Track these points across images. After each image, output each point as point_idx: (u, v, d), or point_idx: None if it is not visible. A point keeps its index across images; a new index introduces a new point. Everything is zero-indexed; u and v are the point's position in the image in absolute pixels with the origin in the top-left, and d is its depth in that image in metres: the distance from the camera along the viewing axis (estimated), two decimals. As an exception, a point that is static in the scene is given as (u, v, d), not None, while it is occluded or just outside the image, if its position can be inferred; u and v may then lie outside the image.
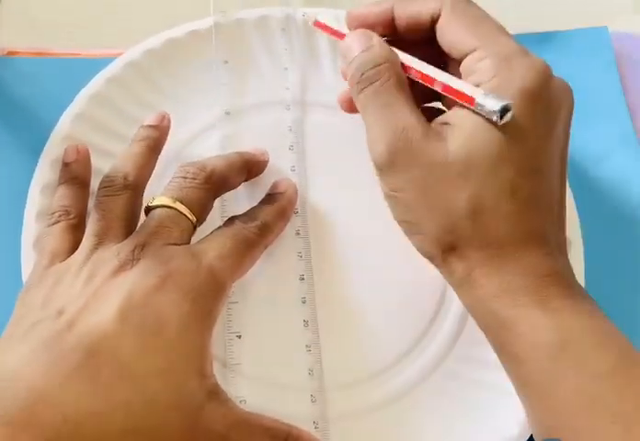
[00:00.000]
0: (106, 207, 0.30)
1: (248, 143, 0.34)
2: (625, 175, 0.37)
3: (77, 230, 0.31)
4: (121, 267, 0.27)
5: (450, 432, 0.31)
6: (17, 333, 0.26)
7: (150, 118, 0.33)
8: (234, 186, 0.32)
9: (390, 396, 0.31)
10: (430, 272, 0.32)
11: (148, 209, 0.30)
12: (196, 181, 0.30)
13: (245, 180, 0.33)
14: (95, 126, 0.34)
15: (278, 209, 0.32)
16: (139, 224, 0.30)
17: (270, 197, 0.33)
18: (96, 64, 0.35)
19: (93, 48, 0.38)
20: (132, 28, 0.39)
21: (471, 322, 0.31)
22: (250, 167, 0.33)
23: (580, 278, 0.32)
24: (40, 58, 0.37)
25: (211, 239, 0.29)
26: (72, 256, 0.29)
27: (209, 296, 0.28)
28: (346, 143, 0.35)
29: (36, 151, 0.33)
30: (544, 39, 0.39)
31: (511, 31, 0.38)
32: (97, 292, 0.26)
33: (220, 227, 0.30)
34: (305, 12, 0.37)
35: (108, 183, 0.30)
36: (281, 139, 0.35)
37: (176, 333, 0.26)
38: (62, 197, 0.32)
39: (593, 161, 0.37)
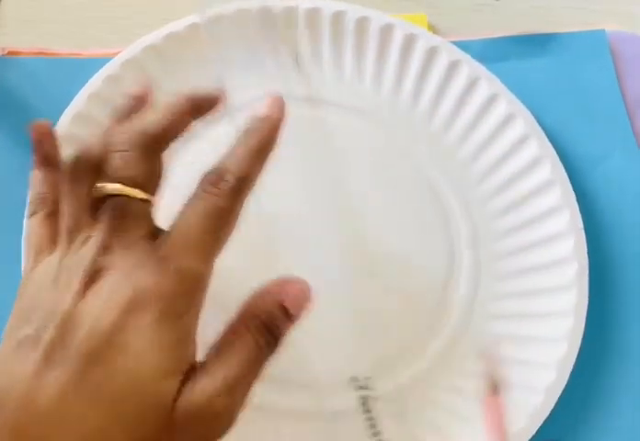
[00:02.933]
0: (72, 198, 0.26)
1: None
2: (624, 176, 0.37)
3: (57, 217, 0.28)
4: (90, 280, 0.24)
5: (448, 429, 0.31)
6: (7, 351, 0.24)
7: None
8: (178, 135, 0.28)
9: (390, 394, 0.31)
10: (429, 277, 0.33)
11: (97, 201, 0.26)
12: (131, 153, 0.26)
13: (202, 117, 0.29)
14: (94, 125, 0.34)
15: (255, 148, 0.27)
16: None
17: (245, 134, 0.28)
18: (96, 64, 0.35)
19: (93, 48, 0.38)
20: (133, 28, 0.39)
21: (471, 323, 0.32)
22: (198, 108, 0.29)
23: (584, 291, 0.32)
24: (41, 58, 0.37)
25: (178, 225, 0.26)
26: (48, 258, 0.26)
27: (183, 301, 0.25)
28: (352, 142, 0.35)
29: (36, 151, 0.33)
30: (544, 41, 0.39)
31: (511, 32, 0.39)
32: (71, 314, 0.24)
33: (189, 198, 0.26)
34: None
35: (72, 165, 0.27)
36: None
37: (148, 353, 0.24)
38: (36, 183, 0.30)
39: (592, 162, 0.37)
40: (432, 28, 0.40)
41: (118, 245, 0.25)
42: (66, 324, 0.24)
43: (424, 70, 0.36)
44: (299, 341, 0.31)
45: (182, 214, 0.26)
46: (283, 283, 0.28)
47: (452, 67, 0.36)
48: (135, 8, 0.40)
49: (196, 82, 0.36)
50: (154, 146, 0.27)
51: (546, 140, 0.35)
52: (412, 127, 0.36)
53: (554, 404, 0.31)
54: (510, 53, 0.39)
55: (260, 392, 0.30)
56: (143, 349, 0.24)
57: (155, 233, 0.26)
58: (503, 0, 0.41)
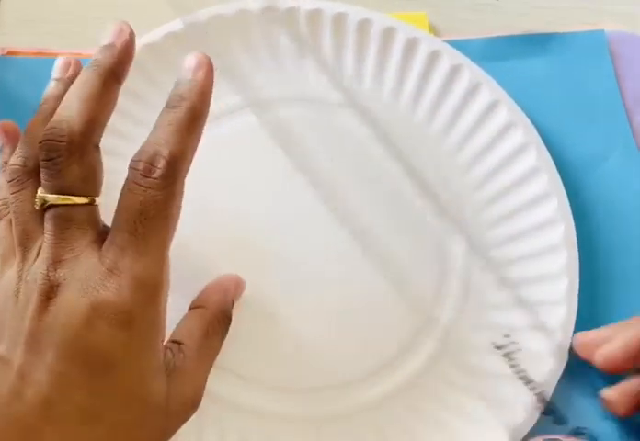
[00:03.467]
0: (18, 206, 0.26)
1: (248, 137, 0.35)
2: (623, 176, 0.36)
3: None
4: (46, 296, 0.24)
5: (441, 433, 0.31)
6: None
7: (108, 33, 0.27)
8: (108, 117, 0.27)
9: (384, 396, 0.31)
10: (422, 273, 0.33)
11: (40, 212, 0.25)
12: (61, 158, 0.24)
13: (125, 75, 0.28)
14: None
15: (185, 120, 0.25)
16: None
17: (171, 105, 0.26)
18: (96, 64, 0.35)
19: (93, 48, 0.38)
20: (133, 27, 0.39)
21: (463, 328, 0.32)
22: (113, 72, 0.27)
23: (575, 279, 0.33)
24: (40, 58, 0.37)
25: (119, 226, 0.25)
26: (10, 270, 0.25)
27: (144, 309, 0.25)
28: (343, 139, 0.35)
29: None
30: (543, 40, 0.39)
31: (511, 32, 0.39)
32: (34, 335, 0.24)
33: (122, 190, 0.25)
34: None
35: (13, 173, 0.26)
36: (277, 134, 0.35)
37: (124, 367, 0.24)
38: (1, 188, 0.28)
39: (590, 163, 0.37)
40: (432, 27, 0.40)
41: (67, 256, 0.24)
42: (33, 344, 0.23)
43: (425, 74, 0.36)
44: (293, 347, 0.32)
45: (119, 213, 0.25)
46: (235, 281, 0.30)
47: (454, 71, 0.36)
48: (135, 8, 0.40)
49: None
50: (84, 144, 0.25)
51: (544, 148, 0.35)
52: (411, 129, 0.36)
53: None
54: (510, 53, 0.38)
55: (255, 399, 0.30)
56: (120, 359, 0.24)
57: (104, 234, 0.25)
58: (503, 0, 0.41)
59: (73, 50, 0.37)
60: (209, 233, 0.33)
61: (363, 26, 0.36)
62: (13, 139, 0.30)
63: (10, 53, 0.37)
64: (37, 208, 0.25)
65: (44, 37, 0.38)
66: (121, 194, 0.25)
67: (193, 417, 0.27)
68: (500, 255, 0.34)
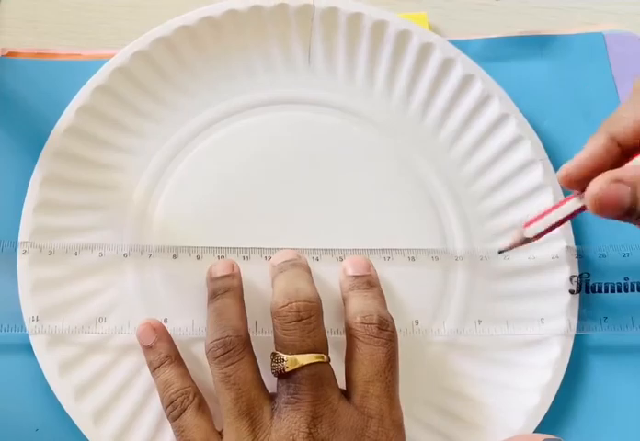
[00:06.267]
0: (237, 378, 0.27)
1: (254, 138, 0.35)
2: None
3: (206, 407, 0.29)
4: None
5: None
6: None
7: (219, 268, 0.30)
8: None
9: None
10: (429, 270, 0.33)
11: (288, 373, 0.27)
12: (312, 318, 0.27)
13: None
14: (100, 118, 0.34)
15: (379, 295, 0.30)
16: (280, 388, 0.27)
17: (362, 285, 0.30)
18: (96, 65, 0.35)
19: (93, 48, 0.38)
20: (133, 29, 0.39)
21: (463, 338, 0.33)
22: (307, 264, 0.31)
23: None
24: (41, 59, 0.37)
25: (366, 383, 0.27)
26: None
27: None
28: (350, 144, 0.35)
29: (36, 151, 0.33)
30: (542, 42, 0.39)
31: (511, 32, 0.39)
32: None
33: (354, 352, 0.28)
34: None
35: (222, 346, 0.27)
36: (284, 138, 0.35)
37: None
38: (169, 382, 0.29)
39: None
40: (432, 28, 0.40)
41: (325, 411, 0.26)
42: None
43: (436, 80, 0.36)
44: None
45: (364, 366, 0.27)
46: None
47: (467, 80, 0.36)
48: (135, 8, 0.40)
49: (207, 75, 0.36)
50: (320, 311, 0.28)
51: (550, 165, 0.35)
52: (418, 136, 0.36)
53: (550, 404, 0.32)
54: (508, 54, 0.38)
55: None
56: None
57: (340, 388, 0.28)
58: (503, 0, 0.41)
59: (73, 51, 0.37)
60: (207, 234, 0.33)
61: (379, 27, 0.36)
62: (163, 333, 0.30)
63: (10, 54, 0.37)
64: (285, 371, 0.26)
65: (44, 37, 0.38)
66: (355, 351, 0.27)
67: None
68: (501, 266, 0.34)
